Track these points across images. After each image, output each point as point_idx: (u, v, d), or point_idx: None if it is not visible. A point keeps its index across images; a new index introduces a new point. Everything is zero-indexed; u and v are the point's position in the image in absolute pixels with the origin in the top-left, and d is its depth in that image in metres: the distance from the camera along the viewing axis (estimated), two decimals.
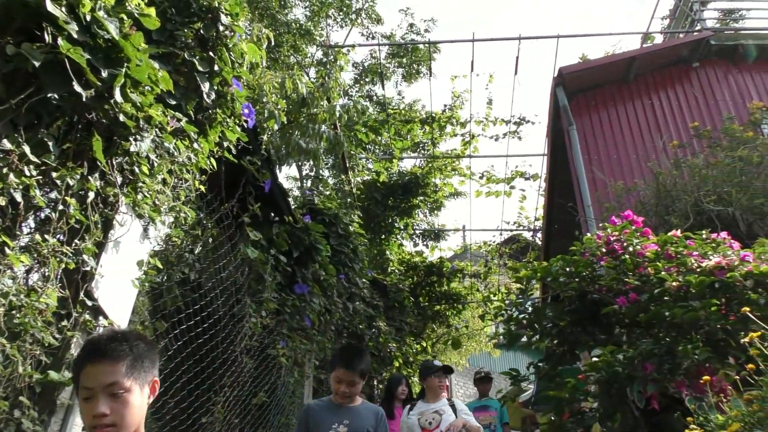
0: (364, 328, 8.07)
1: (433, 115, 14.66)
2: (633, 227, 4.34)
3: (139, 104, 2.58)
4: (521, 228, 16.21)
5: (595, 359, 3.58)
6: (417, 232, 15.47)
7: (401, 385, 6.50)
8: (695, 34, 10.51)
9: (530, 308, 4.52)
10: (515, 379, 4.38)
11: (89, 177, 2.42)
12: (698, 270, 3.65)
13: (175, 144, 2.97)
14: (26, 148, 2.12)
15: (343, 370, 3.52)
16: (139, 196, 2.74)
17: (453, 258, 16.79)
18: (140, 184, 2.73)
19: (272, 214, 5.39)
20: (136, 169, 2.68)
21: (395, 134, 14.81)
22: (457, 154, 14.85)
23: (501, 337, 4.97)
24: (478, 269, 15.55)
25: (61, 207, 2.30)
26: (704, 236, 4.16)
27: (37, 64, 2.08)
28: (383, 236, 13.48)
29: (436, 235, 15.81)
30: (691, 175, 7.17)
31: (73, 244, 2.38)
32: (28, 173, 2.13)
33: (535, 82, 26.15)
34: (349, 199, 11.65)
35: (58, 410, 2.41)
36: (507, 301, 4.78)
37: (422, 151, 15.59)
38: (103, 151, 2.42)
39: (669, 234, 4.13)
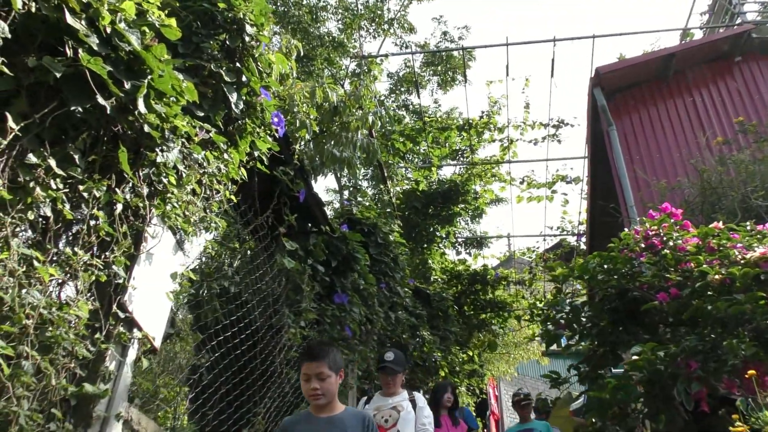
0: (408, 338, 8.01)
1: (470, 121, 14.57)
2: (672, 220, 4.17)
3: (164, 115, 2.59)
4: (565, 233, 15.99)
5: (635, 357, 3.44)
6: (459, 240, 15.36)
7: (447, 392, 6.39)
8: (735, 28, 10.25)
9: (568, 307, 4.36)
10: (555, 382, 4.23)
11: (116, 189, 2.43)
12: (742, 262, 3.49)
13: (204, 155, 2.97)
14: (52, 162, 2.13)
15: (306, 363, 3.04)
16: (168, 207, 2.75)
17: (498, 266, 16.64)
18: (169, 195, 2.73)
19: (309, 225, 5.39)
20: (164, 180, 2.68)
21: (433, 142, 14.77)
22: (497, 160, 14.73)
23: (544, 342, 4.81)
24: (523, 276, 15.35)
25: (89, 220, 2.31)
26: (749, 228, 3.99)
27: (58, 75, 2.09)
28: (425, 245, 13.41)
29: (478, 242, 15.67)
30: (738, 171, 6.97)
31: (103, 257, 2.39)
32: (54, 187, 2.14)
33: (573, 83, 25.86)
34: (388, 209, 11.62)
35: (94, 423, 2.41)
36: (542, 302, 4.63)
37: (461, 159, 15.50)
38: (129, 162, 2.43)
39: (710, 226, 3.96)
